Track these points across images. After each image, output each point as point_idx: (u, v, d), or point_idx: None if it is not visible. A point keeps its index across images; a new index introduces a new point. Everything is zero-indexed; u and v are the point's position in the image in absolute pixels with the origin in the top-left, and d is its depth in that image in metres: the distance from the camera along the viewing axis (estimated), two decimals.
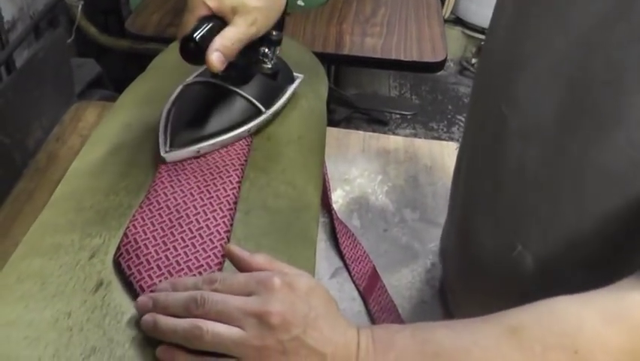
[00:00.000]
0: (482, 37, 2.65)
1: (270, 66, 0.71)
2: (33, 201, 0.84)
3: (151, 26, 1.47)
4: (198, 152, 0.66)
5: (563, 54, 0.49)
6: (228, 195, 0.61)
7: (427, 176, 0.97)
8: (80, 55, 1.55)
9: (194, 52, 0.59)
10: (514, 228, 0.57)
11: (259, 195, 0.63)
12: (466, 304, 0.71)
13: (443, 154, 1.01)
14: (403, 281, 0.81)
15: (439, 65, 1.38)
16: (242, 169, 0.65)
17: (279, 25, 0.68)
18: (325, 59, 1.03)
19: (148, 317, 0.48)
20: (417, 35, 1.44)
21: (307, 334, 0.45)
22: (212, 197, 0.61)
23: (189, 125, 0.67)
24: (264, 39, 0.66)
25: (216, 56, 0.58)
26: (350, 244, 0.84)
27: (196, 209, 0.60)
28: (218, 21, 0.60)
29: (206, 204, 0.60)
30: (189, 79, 0.73)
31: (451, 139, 2.23)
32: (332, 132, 0.99)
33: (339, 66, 2.18)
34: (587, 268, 0.50)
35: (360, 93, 2.42)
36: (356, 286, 0.79)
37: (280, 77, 0.75)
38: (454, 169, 0.74)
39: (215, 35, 0.59)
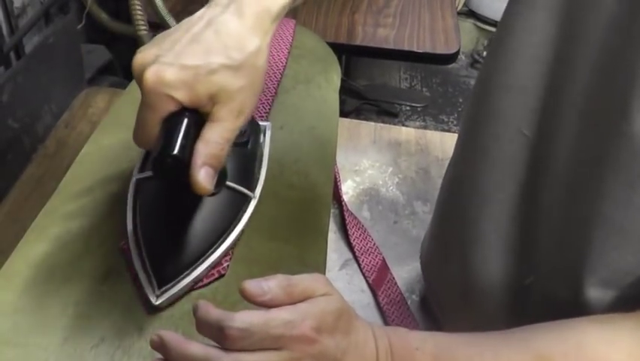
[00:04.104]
0: (494, 29, 2.62)
1: (241, 132, 0.57)
2: (42, 187, 0.84)
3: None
4: (195, 282, 0.52)
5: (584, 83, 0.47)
6: None
7: (438, 168, 0.96)
8: (90, 41, 1.54)
9: (174, 169, 0.44)
10: (527, 256, 0.54)
11: (271, 185, 0.62)
12: (453, 318, 0.69)
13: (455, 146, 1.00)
14: (413, 274, 0.81)
15: (452, 57, 1.37)
16: None
17: None
18: (337, 49, 1.02)
19: None
20: (430, 26, 1.43)
21: None
22: None
23: (172, 248, 0.51)
24: None
25: (205, 174, 0.44)
26: (360, 235, 0.83)
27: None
28: (191, 115, 0.45)
29: None
30: (137, 172, 0.58)
31: None
32: (343, 123, 0.98)
33: (349, 57, 2.17)
34: (590, 313, 0.48)
35: (370, 84, 2.41)
36: (365, 278, 0.79)
37: (251, 140, 0.61)
38: (442, 187, 0.68)
39: (193, 137, 0.44)
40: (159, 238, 0.53)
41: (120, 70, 1.43)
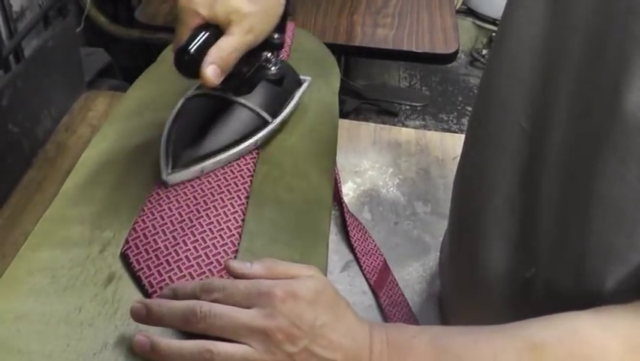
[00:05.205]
0: (493, 28, 2.63)
1: (274, 72, 0.68)
2: (42, 191, 0.84)
3: (160, 16, 1.47)
4: (202, 171, 0.63)
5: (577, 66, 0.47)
6: (240, 190, 0.61)
7: (438, 168, 0.96)
8: (89, 44, 1.54)
9: (190, 64, 0.55)
10: (527, 248, 0.55)
11: (272, 188, 0.62)
12: (462, 314, 0.69)
13: (455, 146, 1.00)
14: (414, 275, 0.81)
15: (451, 57, 1.37)
16: (254, 162, 0.64)
17: (280, 27, 0.63)
18: (336, 50, 1.02)
19: (143, 339, 0.46)
20: (429, 26, 1.43)
21: (315, 343, 0.44)
22: (224, 192, 0.60)
23: (191, 143, 0.63)
24: (266, 43, 0.62)
25: (211, 70, 0.55)
26: (361, 237, 0.83)
27: (206, 204, 0.59)
28: (215, 30, 0.56)
29: (217, 199, 0.60)
30: (190, 91, 0.69)
31: (461, 130, 2.21)
32: (343, 124, 0.98)
33: (348, 57, 2.17)
34: (592, 303, 0.48)
35: (369, 84, 2.41)
36: (367, 279, 0.78)
37: (286, 82, 0.71)
38: (454, 181, 0.69)
39: (211, 46, 0.56)
40: (184, 136, 0.64)
41: (120, 73, 1.43)
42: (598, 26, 0.44)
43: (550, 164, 0.50)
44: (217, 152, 0.63)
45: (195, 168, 0.62)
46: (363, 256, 0.81)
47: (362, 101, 2.28)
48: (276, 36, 0.63)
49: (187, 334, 0.47)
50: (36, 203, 0.82)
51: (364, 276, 0.79)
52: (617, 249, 0.46)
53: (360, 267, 0.80)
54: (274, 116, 0.68)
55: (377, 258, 0.81)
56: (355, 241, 0.82)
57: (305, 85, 0.75)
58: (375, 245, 0.82)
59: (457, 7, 2.64)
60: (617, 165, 0.44)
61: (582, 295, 0.48)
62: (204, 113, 0.66)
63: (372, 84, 2.43)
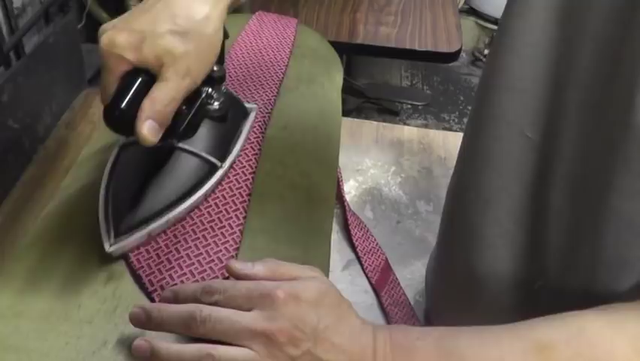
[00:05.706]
0: (495, 27, 2.62)
1: (217, 107, 0.61)
2: (43, 187, 0.84)
3: None
4: (149, 235, 0.55)
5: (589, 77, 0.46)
6: (242, 187, 0.60)
7: (441, 167, 0.96)
8: (90, 40, 1.53)
9: (122, 121, 0.48)
10: (536, 260, 0.54)
11: (274, 186, 0.62)
12: (451, 319, 0.69)
13: (457, 145, 0.99)
14: (416, 274, 0.80)
15: (454, 55, 1.36)
16: (256, 159, 0.63)
17: (220, 57, 0.55)
18: (338, 47, 1.01)
19: (143, 344, 0.45)
20: (431, 25, 1.43)
21: (317, 346, 0.43)
22: (225, 189, 0.60)
23: (134, 204, 0.55)
24: (206, 79, 0.53)
25: (148, 127, 0.47)
26: (362, 236, 0.82)
27: (208, 201, 0.59)
28: (146, 76, 0.49)
29: (218, 197, 0.59)
30: (123, 138, 0.62)
31: (463, 130, 2.20)
32: (345, 122, 0.97)
33: (350, 55, 2.16)
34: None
35: (371, 83, 2.40)
36: (368, 279, 0.78)
37: (231, 116, 0.64)
38: (448, 191, 0.68)
39: (143, 96, 0.48)
40: (124, 195, 0.57)
41: None
42: (612, 34, 0.44)
43: (560, 175, 0.50)
44: (164, 210, 0.56)
45: (142, 233, 0.54)
46: (364, 255, 0.80)
47: (363, 99, 2.27)
48: (215, 68, 0.57)
49: (188, 337, 0.46)
50: (36, 199, 0.81)
51: (366, 275, 0.78)
52: (630, 261, 0.46)
53: (362, 266, 0.79)
54: (222, 158, 0.61)
55: (379, 257, 0.80)
56: (357, 240, 0.82)
57: (253, 114, 0.68)
58: (376, 244, 0.82)
59: (460, 6, 2.64)
60: (629, 178, 0.43)
61: (591, 303, 0.47)
62: (144, 165, 0.59)
63: (374, 83, 2.43)
